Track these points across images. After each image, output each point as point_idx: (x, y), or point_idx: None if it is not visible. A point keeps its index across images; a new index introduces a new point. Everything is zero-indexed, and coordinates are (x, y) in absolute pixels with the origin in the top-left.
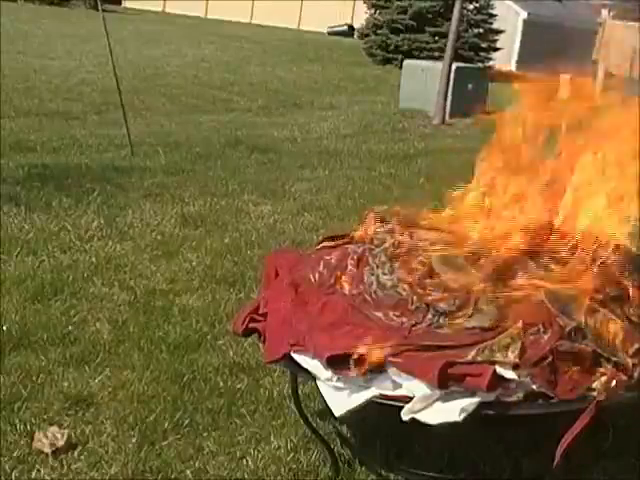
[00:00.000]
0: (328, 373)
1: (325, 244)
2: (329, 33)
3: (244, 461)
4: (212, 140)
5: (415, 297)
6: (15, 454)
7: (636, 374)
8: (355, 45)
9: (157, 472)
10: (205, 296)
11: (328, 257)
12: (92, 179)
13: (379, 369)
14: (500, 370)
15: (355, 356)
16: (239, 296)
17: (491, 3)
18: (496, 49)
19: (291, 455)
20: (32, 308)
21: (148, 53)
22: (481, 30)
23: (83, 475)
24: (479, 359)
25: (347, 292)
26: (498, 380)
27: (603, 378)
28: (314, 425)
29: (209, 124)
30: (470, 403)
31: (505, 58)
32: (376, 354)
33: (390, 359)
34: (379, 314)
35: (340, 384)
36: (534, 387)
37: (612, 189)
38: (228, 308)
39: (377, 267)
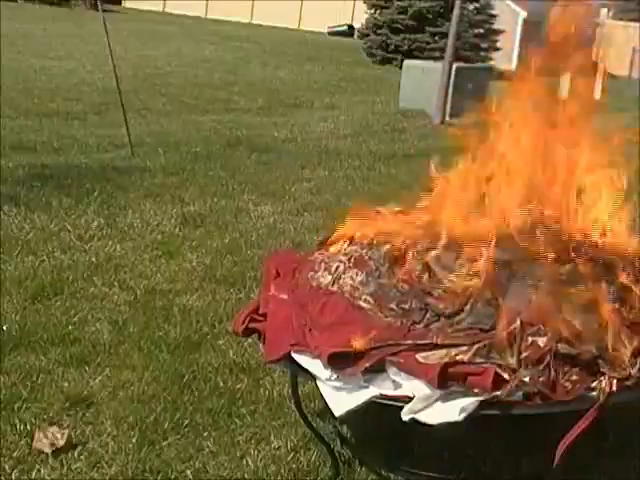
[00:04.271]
0: (328, 373)
1: (325, 244)
2: (329, 33)
3: (244, 461)
4: (212, 140)
5: (414, 297)
6: (15, 454)
7: (635, 374)
8: (355, 45)
9: (157, 472)
10: (205, 296)
11: (328, 257)
12: (92, 179)
13: (379, 368)
14: (499, 371)
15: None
16: (239, 296)
17: (491, 3)
18: (496, 49)
19: (291, 455)
20: (32, 308)
21: (148, 53)
22: (481, 30)
23: (83, 475)
24: (478, 359)
25: (347, 292)
26: (499, 380)
27: (602, 379)
28: (314, 425)
29: (209, 124)
30: (470, 403)
31: (506, 58)
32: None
33: (390, 359)
34: (379, 314)
35: (340, 384)
36: (533, 388)
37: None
38: (228, 308)
39: (376, 267)
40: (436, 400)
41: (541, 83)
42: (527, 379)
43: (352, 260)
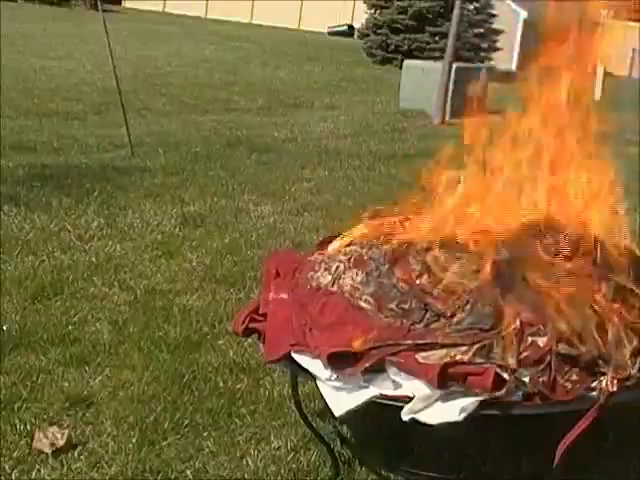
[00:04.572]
0: (328, 373)
1: (325, 244)
2: (329, 33)
3: (244, 461)
4: (212, 140)
5: (414, 297)
6: (15, 454)
7: (635, 374)
8: (355, 45)
9: (157, 472)
10: (205, 296)
11: (328, 257)
12: (92, 179)
13: (379, 368)
14: (499, 371)
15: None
16: (239, 296)
17: (491, 3)
18: (496, 49)
19: (291, 455)
20: (32, 308)
21: (148, 53)
22: (481, 30)
23: (83, 475)
24: (478, 359)
25: (347, 292)
26: (499, 380)
27: (602, 379)
28: (314, 425)
29: (209, 124)
30: (470, 403)
31: (505, 58)
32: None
33: (390, 359)
34: (379, 314)
35: (340, 384)
36: (533, 388)
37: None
38: (228, 308)
39: (376, 267)
40: (436, 400)
41: (541, 84)
42: (527, 379)
43: (352, 260)
